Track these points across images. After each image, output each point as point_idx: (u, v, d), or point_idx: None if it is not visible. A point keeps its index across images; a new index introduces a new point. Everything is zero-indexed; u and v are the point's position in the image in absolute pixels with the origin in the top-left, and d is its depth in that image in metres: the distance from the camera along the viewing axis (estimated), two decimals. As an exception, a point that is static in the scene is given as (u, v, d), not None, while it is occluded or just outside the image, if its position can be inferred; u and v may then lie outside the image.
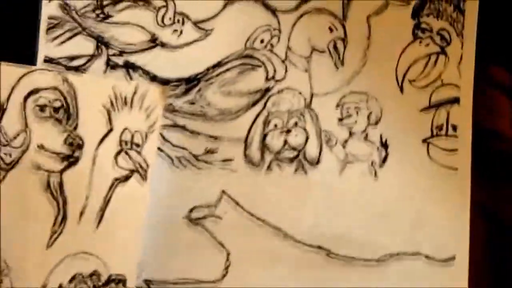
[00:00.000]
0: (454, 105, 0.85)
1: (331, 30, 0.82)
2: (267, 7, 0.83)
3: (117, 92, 0.76)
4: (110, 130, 0.75)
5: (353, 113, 0.84)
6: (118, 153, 0.75)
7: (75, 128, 0.75)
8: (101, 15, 0.81)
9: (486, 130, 0.85)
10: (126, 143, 0.76)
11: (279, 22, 0.81)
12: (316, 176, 0.83)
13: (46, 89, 0.76)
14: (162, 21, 0.81)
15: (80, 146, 0.75)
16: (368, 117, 0.83)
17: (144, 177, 0.76)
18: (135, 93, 0.77)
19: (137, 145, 0.76)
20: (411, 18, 0.85)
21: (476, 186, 0.82)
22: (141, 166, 0.76)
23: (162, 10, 0.82)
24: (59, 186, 0.75)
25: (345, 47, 0.83)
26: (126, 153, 0.76)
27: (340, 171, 0.83)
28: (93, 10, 0.81)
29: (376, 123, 0.83)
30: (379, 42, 0.84)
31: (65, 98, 0.76)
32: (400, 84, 0.84)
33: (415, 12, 0.85)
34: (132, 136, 0.76)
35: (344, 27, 0.83)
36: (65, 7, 0.81)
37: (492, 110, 0.85)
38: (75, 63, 0.80)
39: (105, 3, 0.82)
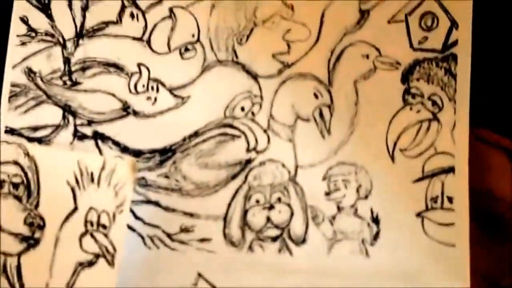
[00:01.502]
0: (449, 175, 0.72)
1: (316, 96, 0.71)
2: (248, 72, 0.72)
3: (83, 167, 0.65)
4: (75, 210, 0.64)
5: (341, 186, 0.71)
6: (83, 235, 0.63)
7: (36, 206, 0.64)
8: (69, 82, 0.70)
9: (483, 192, 0.74)
10: (92, 224, 0.64)
11: (260, 88, 0.71)
12: (302, 256, 0.70)
13: (5, 163, 0.64)
14: (135, 88, 0.71)
15: (41, 227, 0.63)
16: (358, 190, 0.71)
17: (111, 262, 0.63)
18: (103, 168, 0.65)
19: (104, 227, 0.64)
20: (401, 83, 0.72)
21: (475, 254, 0.71)
22: (107, 250, 0.63)
23: (135, 77, 0.71)
24: (16, 271, 0.63)
25: (331, 115, 0.71)
26: (92, 235, 0.63)
27: (328, 251, 0.70)
28: (61, 77, 0.70)
29: (366, 196, 0.71)
30: (367, 108, 0.72)
31: (25, 174, 0.64)
32: (391, 153, 0.72)
33: (404, 77, 0.73)
34: (99, 217, 0.64)
35: (330, 93, 0.72)
36: (29, 73, 0.71)
37: (489, 170, 0.75)
38: (39, 133, 0.69)
39: (73, 69, 0.71)
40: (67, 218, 0.64)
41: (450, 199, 0.72)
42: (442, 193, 0.72)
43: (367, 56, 0.72)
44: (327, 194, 0.70)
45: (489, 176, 0.76)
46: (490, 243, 0.75)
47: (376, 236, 0.70)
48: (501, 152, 0.78)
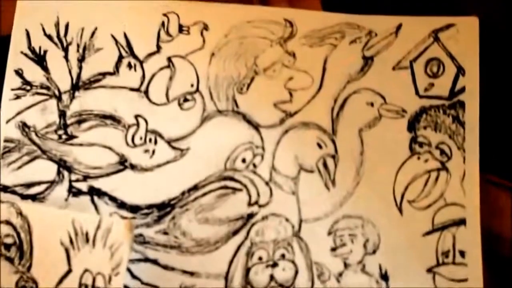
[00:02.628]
0: (461, 227, 0.66)
1: (320, 146, 0.67)
2: (249, 122, 0.67)
3: (78, 227, 0.59)
4: (69, 272, 0.58)
5: (348, 241, 0.66)
6: (77, 299, 0.59)
7: (29, 268, 0.58)
8: (64, 136, 0.66)
9: (493, 235, 0.69)
10: (86, 287, 0.59)
11: (262, 139, 0.67)
12: (308, 316, 0.65)
13: (-3, 223, 0.60)
14: (132, 140, 0.66)
15: None
16: (365, 245, 0.66)
17: (106, 328, 0.60)
18: (98, 227, 0.59)
19: (99, 290, 0.60)
20: (407, 131, 0.67)
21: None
22: (102, 315, 0.60)
23: (133, 129, 0.67)
24: (8, 338, 0.59)
25: (336, 165, 0.67)
26: (86, 299, 0.59)
27: (335, 310, 0.65)
28: (55, 131, 0.66)
29: (374, 251, 0.66)
30: (373, 158, 0.67)
31: (18, 234, 0.59)
32: (398, 205, 0.66)
33: (411, 125, 0.68)
34: (94, 279, 0.58)
35: (334, 142, 0.67)
36: (24, 128, 0.66)
37: (498, 213, 0.70)
38: (33, 190, 0.64)
39: (69, 122, 0.66)
40: (60, 281, 0.58)
41: (462, 253, 0.66)
42: (454, 247, 0.66)
43: (372, 104, 0.68)
44: (333, 249, 0.65)
45: (497, 218, 0.71)
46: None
47: (385, 294, 0.65)
48: (507, 193, 0.72)
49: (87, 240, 0.59)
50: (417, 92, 0.68)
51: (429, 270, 0.65)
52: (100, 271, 0.58)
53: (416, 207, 0.67)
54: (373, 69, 0.68)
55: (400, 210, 0.66)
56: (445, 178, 0.67)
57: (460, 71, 0.69)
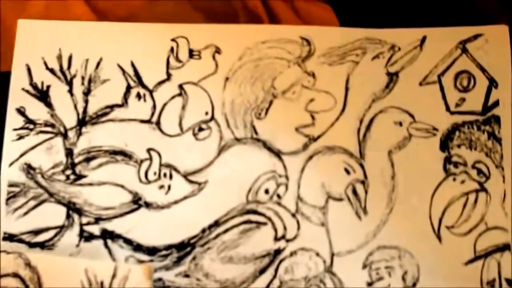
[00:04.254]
0: (505, 252, 0.59)
1: (347, 171, 0.61)
2: (270, 149, 0.61)
3: (92, 276, 0.52)
4: None
5: (385, 274, 0.59)
6: None
7: (40, 325, 0.53)
8: (72, 176, 0.59)
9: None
10: None
11: (285, 167, 0.61)
12: None
13: (4, 275, 0.53)
14: (146, 176, 0.60)
15: None
16: (403, 277, 0.59)
17: None
18: (114, 276, 0.53)
19: None
20: (440, 151, 0.61)
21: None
22: None
23: (146, 164, 0.60)
24: None
25: (366, 192, 0.60)
26: None
27: None
28: (63, 171, 0.59)
29: (414, 284, 0.59)
30: (405, 182, 0.60)
31: (27, 287, 0.54)
32: (437, 232, 0.59)
33: (443, 144, 0.61)
34: (111, 334, 0.53)
35: (362, 167, 0.61)
36: (28, 170, 0.59)
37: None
38: (41, 237, 0.57)
39: (76, 161, 0.60)
40: (75, 337, 0.52)
41: (510, 282, 0.58)
42: (500, 275, 0.59)
43: (400, 123, 0.62)
44: (370, 284, 0.58)
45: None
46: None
47: (429, 332, 0.58)
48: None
49: (102, 291, 0.53)
50: (447, 108, 0.62)
51: None
52: (118, 324, 0.52)
53: (456, 233, 0.60)
54: (399, 85, 0.62)
55: (438, 237, 0.60)
56: (485, 199, 0.60)
57: (493, 83, 0.62)
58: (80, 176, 0.60)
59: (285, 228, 0.59)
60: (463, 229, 0.60)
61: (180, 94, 0.62)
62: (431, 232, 0.60)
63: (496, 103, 0.62)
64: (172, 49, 0.63)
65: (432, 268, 0.59)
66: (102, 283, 0.52)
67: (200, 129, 0.61)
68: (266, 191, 0.60)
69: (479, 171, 0.61)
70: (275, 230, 0.59)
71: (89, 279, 0.52)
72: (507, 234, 0.59)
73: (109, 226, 0.59)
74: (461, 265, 0.59)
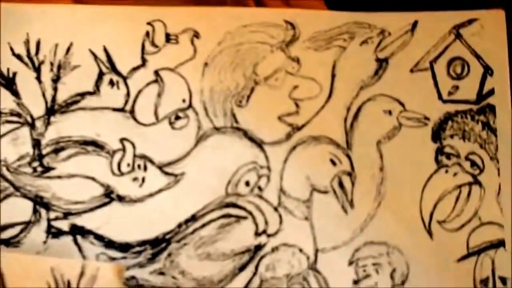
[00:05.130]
0: (500, 249, 0.58)
1: (333, 163, 0.59)
2: (251, 139, 0.60)
3: (58, 276, 0.51)
4: None
5: (372, 271, 0.57)
6: None
7: (3, 326, 0.51)
8: (40, 169, 0.58)
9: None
10: None
11: (267, 158, 0.60)
12: None
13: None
14: (119, 168, 0.59)
15: None
16: (392, 275, 0.57)
17: None
18: (81, 275, 0.52)
19: None
20: (432, 141, 0.60)
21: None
22: None
23: (118, 155, 0.59)
24: None
25: (353, 184, 0.59)
26: None
27: None
28: (29, 163, 0.58)
29: (403, 282, 0.57)
30: (395, 174, 0.59)
31: (-11, 286, 0.52)
32: (427, 227, 0.58)
33: (435, 134, 0.60)
34: (78, 336, 0.52)
35: (349, 158, 0.59)
36: (-8, 162, 0.58)
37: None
38: (6, 234, 0.56)
39: (44, 152, 0.58)
40: None
41: (504, 280, 0.57)
42: (493, 273, 0.57)
43: (390, 112, 0.61)
44: (356, 282, 0.57)
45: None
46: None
47: (419, 332, 0.57)
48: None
49: (69, 291, 0.51)
50: (440, 97, 0.61)
51: None
52: (86, 326, 0.50)
53: (448, 228, 0.59)
54: (389, 72, 0.61)
55: (429, 233, 0.58)
56: (478, 193, 0.59)
57: (487, 71, 0.61)
58: (48, 169, 0.58)
59: (266, 222, 0.58)
60: (455, 224, 0.59)
61: (155, 81, 0.61)
62: (421, 227, 0.58)
63: (491, 92, 0.61)
64: (147, 33, 0.61)
65: (422, 265, 0.57)
66: (69, 282, 0.51)
67: (177, 118, 0.60)
68: (247, 183, 0.59)
69: (473, 163, 0.60)
70: (256, 225, 0.58)
71: (55, 278, 0.51)
72: (501, 229, 0.58)
73: (79, 221, 0.57)
74: (453, 262, 0.58)
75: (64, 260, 0.52)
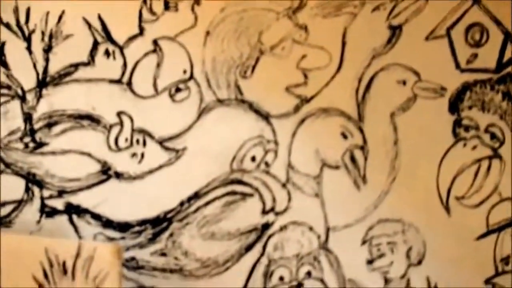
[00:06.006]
0: (522, 226, 0.60)
1: (345, 136, 0.59)
2: (257, 112, 0.59)
3: (53, 257, 0.50)
4: None
5: (387, 250, 0.57)
6: None
7: (-5, 311, 0.50)
8: (32, 144, 0.57)
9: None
10: (67, 330, 0.50)
11: (274, 131, 0.59)
12: None
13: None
14: (116, 143, 0.58)
15: None
16: (408, 254, 0.58)
17: None
18: (77, 256, 0.51)
19: (83, 335, 0.50)
20: (449, 113, 0.60)
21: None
22: None
23: (115, 129, 0.58)
24: None
25: (366, 159, 0.59)
26: None
27: (378, 338, 0.57)
28: (21, 139, 0.57)
29: (420, 262, 0.57)
30: (410, 148, 0.59)
31: (-20, 269, 0.50)
32: (445, 203, 0.58)
33: (453, 105, 0.60)
34: (76, 321, 0.50)
35: (361, 131, 0.59)
36: (-19, 139, 0.57)
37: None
38: (-3, 213, 0.56)
39: (36, 127, 0.57)
40: (36, 324, 0.49)
41: (527, 258, 0.57)
42: (515, 251, 0.58)
43: (404, 82, 0.60)
44: (370, 262, 0.58)
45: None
46: None
47: (437, 314, 0.57)
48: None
49: (65, 272, 0.50)
50: (457, 66, 0.60)
51: (488, 282, 0.58)
52: (83, 309, 0.49)
53: (466, 204, 0.59)
54: (402, 40, 0.61)
55: (447, 209, 0.59)
56: (499, 167, 0.60)
57: (508, 37, 0.61)
58: (40, 144, 0.57)
59: (274, 199, 0.58)
60: (474, 200, 0.59)
61: (154, 51, 0.59)
62: (438, 203, 0.59)
63: None
64: (145, 0, 0.60)
65: (439, 243, 0.58)
66: (64, 264, 0.49)
67: (178, 90, 0.59)
68: (253, 159, 0.59)
69: (493, 136, 0.60)
70: (263, 202, 0.58)
71: (49, 259, 0.50)
72: (523, 205, 0.58)
73: (74, 199, 0.57)
74: (472, 240, 0.58)
75: (59, 240, 0.51)
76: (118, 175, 0.58)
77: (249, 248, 0.57)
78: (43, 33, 0.59)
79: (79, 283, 0.50)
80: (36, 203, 0.57)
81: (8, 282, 0.50)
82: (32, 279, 0.50)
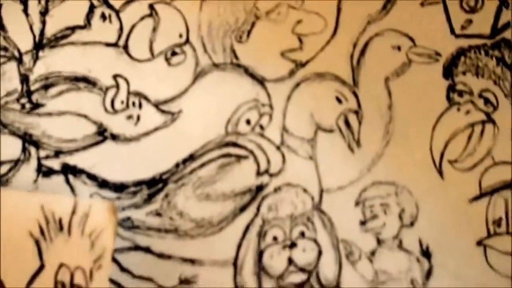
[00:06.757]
0: (514, 190, 0.61)
1: (339, 100, 0.59)
2: (252, 76, 0.60)
3: (49, 213, 0.51)
4: (41, 268, 0.50)
5: (379, 212, 0.58)
6: (53, 301, 0.51)
7: (-7, 267, 0.51)
8: (28, 105, 0.58)
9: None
10: (63, 285, 0.50)
11: (269, 95, 0.60)
12: (337, 306, 0.58)
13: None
14: (112, 105, 0.59)
15: None
16: (400, 216, 0.58)
17: (90, 335, 0.51)
18: (73, 212, 0.52)
19: (79, 288, 0.52)
20: (443, 78, 0.60)
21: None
22: (85, 320, 0.51)
23: (111, 92, 0.59)
24: None
25: (360, 123, 0.59)
26: (64, 301, 0.51)
27: (370, 297, 0.58)
28: (18, 100, 0.58)
29: (412, 223, 0.58)
30: (404, 112, 0.59)
31: (-24, 225, 0.52)
32: (438, 167, 0.59)
33: (447, 70, 0.60)
34: (72, 275, 0.50)
35: (356, 95, 0.59)
36: (-22, 98, 0.58)
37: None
38: (-6, 172, 0.57)
39: (33, 88, 0.58)
40: (32, 280, 0.49)
41: (518, 221, 0.58)
42: (507, 214, 0.58)
43: (399, 48, 0.61)
44: (363, 223, 0.58)
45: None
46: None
47: (428, 274, 0.57)
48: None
49: (61, 228, 0.51)
50: (452, 31, 0.61)
51: (479, 243, 0.58)
52: (79, 264, 0.50)
53: (459, 168, 0.59)
54: (398, 6, 0.61)
55: (440, 172, 0.59)
56: (492, 132, 0.60)
57: (503, 3, 0.61)
58: (37, 105, 0.58)
59: (268, 161, 0.59)
60: (467, 163, 0.59)
61: (150, 15, 0.60)
62: (432, 167, 0.59)
63: (507, 25, 0.61)
64: (141, -35, 0.61)
65: (432, 205, 0.58)
66: (60, 220, 0.50)
67: (173, 54, 0.60)
68: (248, 122, 0.59)
69: (486, 101, 0.60)
70: (257, 164, 0.58)
71: (46, 216, 0.50)
72: (516, 169, 0.58)
73: (71, 160, 0.58)
74: (465, 202, 0.59)
75: (55, 197, 0.52)
76: (114, 137, 0.58)
77: (243, 209, 0.58)
78: (39, -4, 0.61)
79: (75, 239, 0.51)
80: (33, 163, 0.57)
81: (4, 240, 0.51)
82: (29, 235, 0.51)
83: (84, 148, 0.58)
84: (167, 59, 0.60)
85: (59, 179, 0.57)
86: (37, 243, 0.51)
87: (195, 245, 0.57)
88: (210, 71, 0.60)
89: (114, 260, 0.55)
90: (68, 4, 0.60)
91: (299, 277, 0.57)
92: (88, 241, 0.51)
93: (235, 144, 0.59)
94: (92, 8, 0.60)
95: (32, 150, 0.57)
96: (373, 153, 0.59)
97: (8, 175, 0.57)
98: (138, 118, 0.59)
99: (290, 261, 0.57)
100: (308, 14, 0.61)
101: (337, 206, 0.58)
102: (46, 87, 0.58)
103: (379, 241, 0.58)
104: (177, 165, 0.58)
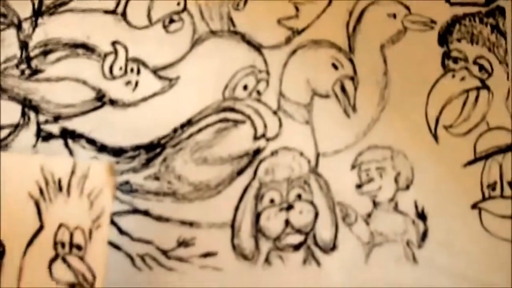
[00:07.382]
0: (508, 154, 0.59)
1: (335, 67, 0.60)
2: (249, 43, 0.60)
3: (48, 174, 0.52)
4: (41, 229, 0.51)
5: (375, 175, 0.58)
6: (53, 260, 0.50)
7: (-7, 227, 0.52)
8: (28, 71, 0.58)
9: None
10: (63, 245, 0.51)
11: (266, 62, 0.60)
12: (333, 267, 0.56)
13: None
14: (111, 71, 0.59)
15: (0, 254, 0.51)
16: (396, 179, 0.58)
17: (90, 292, 0.52)
18: (72, 173, 0.52)
19: (79, 248, 0.50)
20: (438, 45, 0.61)
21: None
22: (85, 278, 0.50)
23: (110, 58, 0.59)
24: (-27, 311, 0.51)
25: (355, 88, 0.59)
26: (64, 259, 0.50)
27: (365, 258, 0.56)
28: (17, 66, 0.58)
29: (408, 186, 0.58)
30: (399, 78, 0.59)
31: (-24, 187, 0.52)
32: (433, 131, 0.59)
33: (442, 38, 0.61)
34: (71, 235, 0.51)
35: (352, 62, 0.60)
36: (-22, 64, 0.58)
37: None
38: (-6, 137, 0.57)
39: (32, 54, 0.58)
40: (31, 240, 0.50)
41: (512, 184, 0.59)
42: (501, 178, 0.59)
43: (394, 15, 0.61)
44: (359, 186, 0.58)
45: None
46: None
47: (423, 236, 0.57)
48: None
49: (60, 189, 0.51)
50: None
51: (474, 206, 0.58)
52: (78, 224, 0.50)
53: (454, 133, 0.60)
54: None
55: (435, 137, 0.59)
56: (486, 97, 0.60)
57: None
58: (36, 71, 0.59)
59: (265, 126, 0.59)
60: (462, 128, 0.60)
61: (148, -18, 0.61)
62: (427, 131, 0.59)
63: None
64: None
65: (427, 169, 0.58)
66: (59, 181, 0.51)
67: (171, 21, 0.60)
68: (245, 87, 0.60)
69: (481, 67, 0.61)
70: (255, 129, 0.59)
71: (45, 177, 0.51)
72: (509, 134, 0.59)
73: (70, 125, 0.58)
74: (460, 166, 0.59)
75: (53, 158, 0.53)
76: (113, 102, 0.59)
77: (240, 172, 0.58)
78: (38, -37, 0.61)
79: (74, 199, 0.51)
80: (32, 127, 0.58)
81: (4, 201, 0.52)
82: (28, 196, 0.52)
83: (83, 113, 0.58)
84: (165, 26, 0.60)
85: (58, 143, 0.58)
86: (36, 204, 0.52)
87: (193, 208, 0.57)
88: (208, 38, 0.60)
89: (114, 223, 0.56)
90: (66, -29, 0.61)
91: (296, 239, 0.57)
92: (87, 201, 0.51)
93: (232, 109, 0.59)
94: (90, -25, 0.61)
95: (32, 115, 0.58)
96: (369, 118, 0.59)
97: (8, 140, 0.57)
98: (136, 84, 0.59)
99: (287, 223, 0.57)
100: (304, -18, 0.62)
101: (333, 170, 0.58)
102: (45, 53, 0.59)
103: (375, 204, 0.58)
104: (175, 130, 0.58)
